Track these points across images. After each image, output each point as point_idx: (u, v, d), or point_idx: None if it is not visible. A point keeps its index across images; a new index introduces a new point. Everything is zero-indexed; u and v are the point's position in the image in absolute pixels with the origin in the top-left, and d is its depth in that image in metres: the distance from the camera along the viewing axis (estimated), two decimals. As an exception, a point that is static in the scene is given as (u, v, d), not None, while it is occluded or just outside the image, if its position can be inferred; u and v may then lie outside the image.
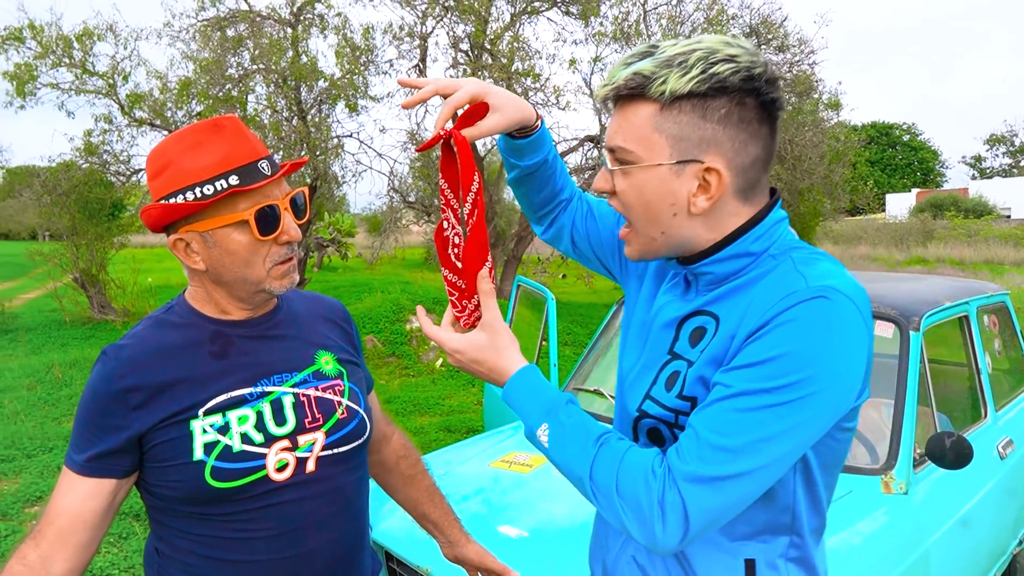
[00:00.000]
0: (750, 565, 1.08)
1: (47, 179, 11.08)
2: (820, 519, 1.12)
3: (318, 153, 10.36)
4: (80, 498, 1.20)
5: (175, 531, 1.26)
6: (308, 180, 10.76)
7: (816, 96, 12.08)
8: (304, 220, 1.28)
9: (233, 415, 1.23)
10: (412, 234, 18.69)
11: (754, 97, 0.99)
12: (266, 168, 1.22)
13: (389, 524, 2.31)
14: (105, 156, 11.23)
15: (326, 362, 1.37)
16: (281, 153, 10.82)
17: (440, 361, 8.58)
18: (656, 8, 11.27)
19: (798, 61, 11.43)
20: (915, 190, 44.22)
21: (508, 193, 19.46)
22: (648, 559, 1.16)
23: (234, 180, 1.18)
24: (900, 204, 39.70)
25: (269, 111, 11.06)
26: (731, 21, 11.08)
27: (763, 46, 11.19)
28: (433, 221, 15.27)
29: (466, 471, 2.63)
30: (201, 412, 1.21)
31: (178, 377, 1.22)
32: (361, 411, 1.38)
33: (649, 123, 1.00)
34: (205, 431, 1.21)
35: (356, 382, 1.41)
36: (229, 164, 1.18)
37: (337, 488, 1.32)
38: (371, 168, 11.79)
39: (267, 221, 1.21)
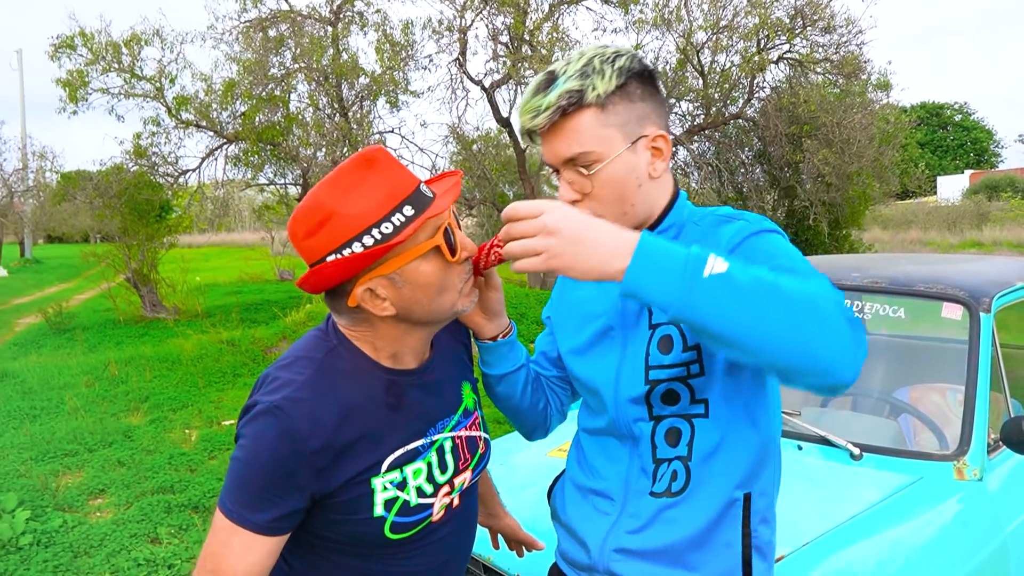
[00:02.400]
0: (747, 499, 1.25)
1: (99, 182, 11.38)
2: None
3: (360, 149, 10.44)
4: (261, 557, 1.14)
5: (325, 559, 1.25)
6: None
7: (865, 77, 11.76)
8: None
9: (409, 469, 1.21)
10: (453, 228, 18.74)
11: (646, 74, 1.22)
12: (426, 190, 1.15)
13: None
14: (154, 158, 11.48)
15: (468, 395, 1.36)
16: (324, 150, 10.93)
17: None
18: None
19: (845, 42, 11.12)
20: (968, 171, 42.82)
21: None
22: (641, 541, 1.29)
23: (409, 211, 1.09)
24: (952, 186, 38.48)
25: (311, 109, 11.19)
26: (775, 3, 10.84)
27: (808, 27, 10.92)
28: (474, 215, 15.31)
29: (523, 461, 2.61)
30: (383, 468, 1.19)
31: (360, 435, 1.17)
32: (488, 438, 1.40)
33: (596, 124, 1.17)
34: (386, 488, 1.19)
35: (481, 407, 1.41)
36: (397, 197, 1.10)
37: (472, 514, 1.37)
38: (413, 163, 11.84)
39: (451, 241, 1.14)
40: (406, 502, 1.20)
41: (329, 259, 1.09)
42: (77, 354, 9.57)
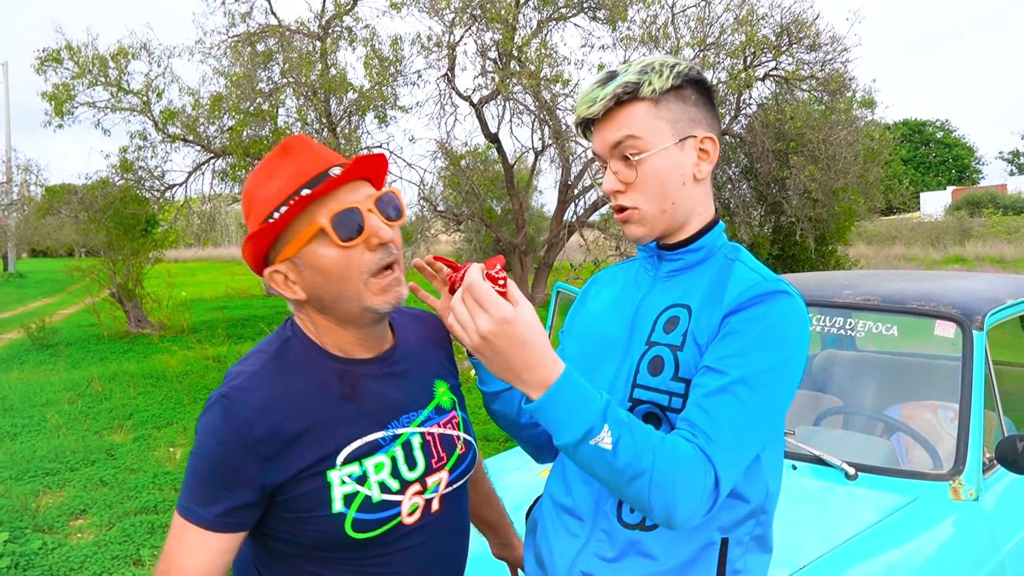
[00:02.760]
0: (724, 543, 1.20)
1: (84, 196, 11.28)
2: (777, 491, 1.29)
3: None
4: (210, 555, 1.10)
5: (293, 569, 1.20)
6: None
7: (850, 95, 11.87)
8: (399, 222, 1.19)
9: (370, 463, 1.17)
10: (441, 243, 18.73)
11: (703, 85, 1.26)
12: (335, 172, 1.14)
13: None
14: (140, 172, 11.40)
15: (442, 393, 1.32)
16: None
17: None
18: (684, 10, 11.18)
19: (830, 59, 11.24)
20: (950, 188, 43.33)
21: (536, 200, 19.45)
22: (614, 572, 1.22)
23: (305, 192, 1.11)
24: (935, 202, 38.88)
25: (299, 124, 11.15)
26: (761, 21, 10.94)
27: (794, 44, 11.03)
28: (462, 230, 15.29)
29: (515, 481, 2.57)
30: (339, 461, 1.14)
31: (311, 425, 1.14)
32: (473, 441, 1.34)
33: (649, 116, 1.21)
34: (343, 482, 1.14)
35: (464, 409, 1.36)
36: (299, 180, 1.12)
37: (457, 522, 1.30)
38: (401, 178, 11.81)
39: (346, 225, 1.11)
40: (367, 498, 1.14)
41: (249, 241, 1.14)
42: (60, 370, 9.45)
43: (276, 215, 1.11)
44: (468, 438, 1.33)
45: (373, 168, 1.19)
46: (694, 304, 1.22)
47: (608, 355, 1.29)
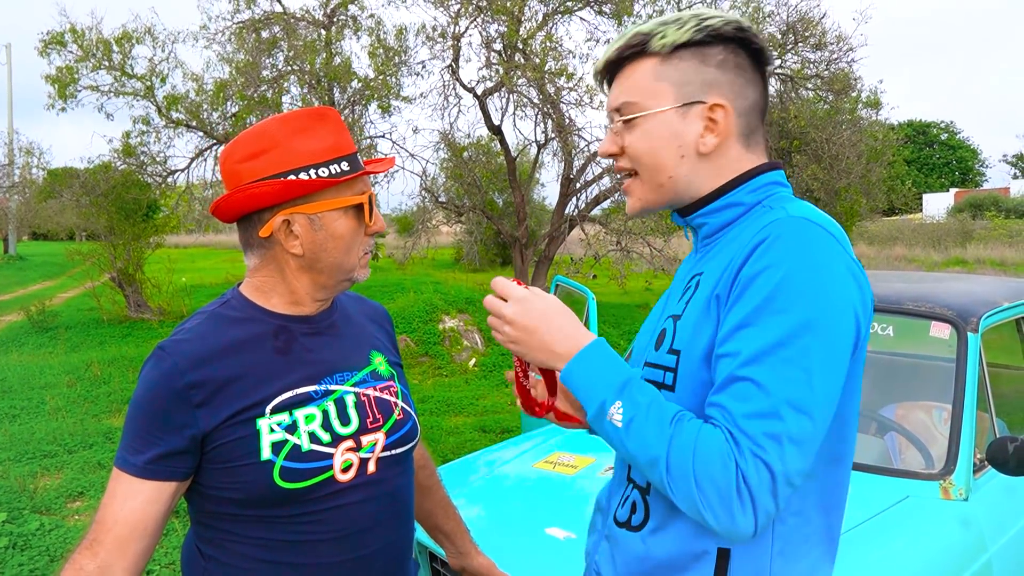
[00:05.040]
0: (723, 555, 1.02)
1: (86, 180, 11.27)
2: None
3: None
4: (140, 503, 1.13)
5: (231, 535, 1.20)
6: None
7: (855, 94, 11.85)
8: None
9: (300, 414, 1.19)
10: (442, 234, 18.74)
11: (745, 46, 1.08)
12: (360, 162, 1.24)
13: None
14: (142, 157, 11.40)
15: (379, 363, 1.35)
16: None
17: (473, 361, 8.57)
18: (691, 6, 11.15)
19: (836, 59, 11.22)
20: (953, 190, 43.25)
21: (537, 193, 19.42)
22: (606, 570, 1.15)
23: (345, 167, 1.20)
24: (938, 204, 38.86)
25: (303, 112, 11.12)
26: (767, 19, 10.92)
27: (800, 43, 11.00)
28: (463, 222, 15.29)
29: (509, 472, 2.59)
30: (268, 410, 1.17)
31: (242, 373, 1.17)
32: (413, 413, 1.37)
33: (651, 74, 1.07)
34: (272, 430, 1.17)
35: (404, 385, 1.39)
36: (339, 151, 1.20)
37: (395, 490, 1.30)
38: (403, 168, 11.81)
39: (370, 209, 1.24)
40: (296, 446, 1.17)
41: (278, 180, 1.16)
42: (59, 353, 9.47)
43: (321, 172, 1.17)
44: (407, 408, 1.35)
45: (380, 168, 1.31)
46: (707, 269, 1.07)
47: (649, 335, 1.20)
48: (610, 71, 1.13)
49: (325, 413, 1.22)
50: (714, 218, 1.10)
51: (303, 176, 1.17)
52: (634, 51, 1.08)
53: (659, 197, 1.11)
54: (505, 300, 1.06)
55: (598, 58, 1.14)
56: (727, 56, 1.07)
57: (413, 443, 1.34)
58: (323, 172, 1.18)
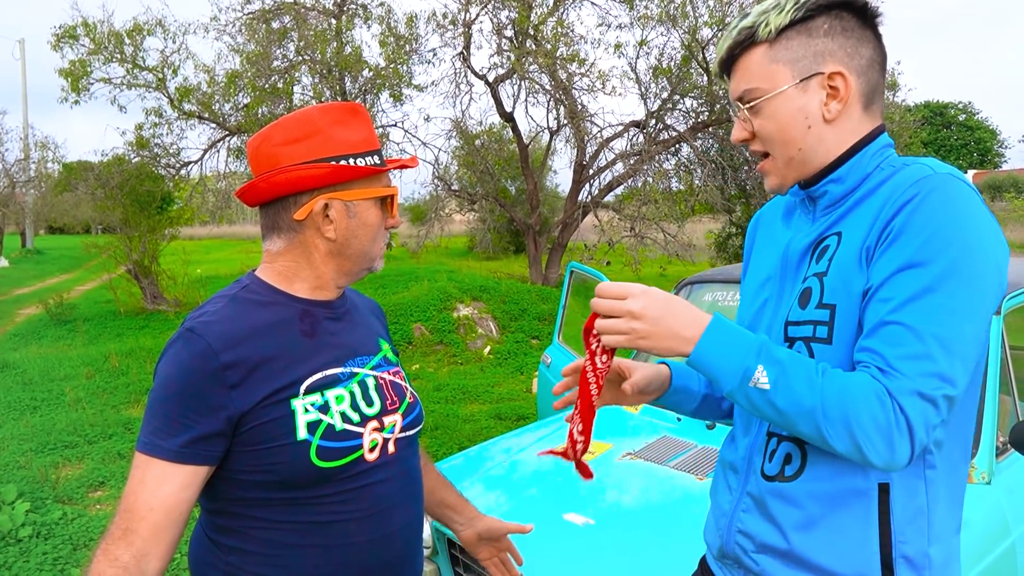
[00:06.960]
0: (884, 489, 1.08)
1: (100, 173, 11.35)
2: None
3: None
4: (174, 488, 1.11)
5: (255, 522, 1.19)
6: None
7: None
8: None
9: (331, 394, 1.22)
10: (455, 223, 18.74)
11: (848, 8, 1.12)
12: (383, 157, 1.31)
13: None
14: (156, 149, 11.46)
15: (387, 349, 1.40)
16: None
17: (488, 349, 8.57)
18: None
19: (851, 39, 11.06)
20: (971, 171, 42.77)
21: (550, 180, 19.36)
22: (755, 525, 1.18)
23: (376, 160, 1.27)
24: (955, 186, 38.31)
25: (315, 101, 11.14)
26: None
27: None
28: (476, 210, 15.28)
29: (526, 459, 2.59)
30: (302, 390, 1.19)
31: (274, 354, 1.18)
32: (417, 396, 1.41)
33: (765, 60, 1.13)
34: (307, 410, 1.18)
35: (406, 372, 1.42)
36: (370, 145, 1.27)
37: (411, 470, 1.34)
38: (415, 156, 11.80)
39: (392, 204, 1.31)
40: (331, 426, 1.19)
41: (328, 163, 1.20)
42: (78, 345, 9.56)
43: (363, 160, 1.24)
44: (415, 394, 1.40)
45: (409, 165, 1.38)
46: (846, 229, 1.11)
47: (765, 301, 1.25)
48: (726, 67, 1.20)
49: (352, 394, 1.25)
50: (838, 186, 1.15)
51: (360, 162, 1.23)
52: (743, 46, 1.15)
53: (794, 171, 1.17)
54: (623, 299, 1.08)
55: (719, 53, 1.20)
56: (832, 23, 1.12)
57: (421, 425, 1.39)
58: (361, 162, 1.24)
